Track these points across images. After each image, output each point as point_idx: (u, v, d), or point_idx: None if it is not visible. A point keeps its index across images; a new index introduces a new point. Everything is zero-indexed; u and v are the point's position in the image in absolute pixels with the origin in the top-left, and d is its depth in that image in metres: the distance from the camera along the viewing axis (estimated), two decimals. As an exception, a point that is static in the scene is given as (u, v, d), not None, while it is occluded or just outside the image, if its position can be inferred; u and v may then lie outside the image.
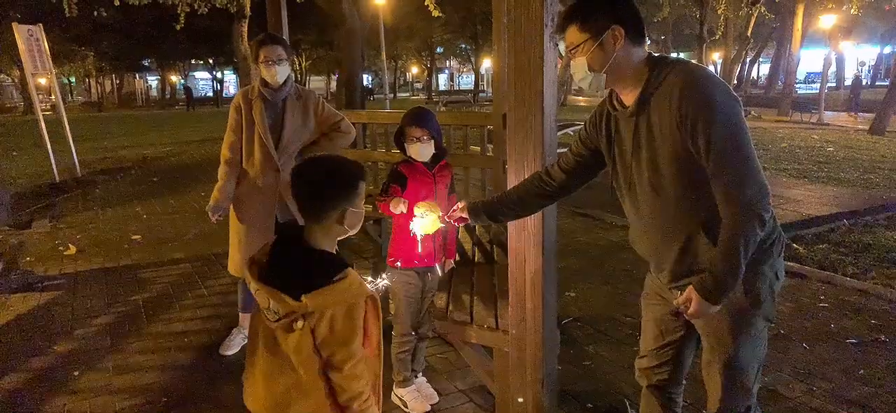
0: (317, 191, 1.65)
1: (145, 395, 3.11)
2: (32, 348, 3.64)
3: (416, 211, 2.48)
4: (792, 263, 4.89)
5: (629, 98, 1.83)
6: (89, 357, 3.52)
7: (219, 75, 48.75)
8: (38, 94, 10.63)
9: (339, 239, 1.73)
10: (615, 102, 1.90)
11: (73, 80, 54.80)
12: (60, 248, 5.73)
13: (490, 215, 2.34)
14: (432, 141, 2.78)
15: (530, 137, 2.38)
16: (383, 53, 18.43)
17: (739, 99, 1.73)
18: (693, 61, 1.81)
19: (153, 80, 57.87)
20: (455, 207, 2.42)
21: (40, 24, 9.48)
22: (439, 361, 3.44)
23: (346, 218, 1.66)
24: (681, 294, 1.87)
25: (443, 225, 2.51)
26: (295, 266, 1.62)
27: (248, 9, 13.99)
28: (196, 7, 13.27)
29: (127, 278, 4.90)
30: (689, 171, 1.72)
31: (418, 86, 61.35)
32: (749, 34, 20.93)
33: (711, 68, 32.70)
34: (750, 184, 1.65)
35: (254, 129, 3.39)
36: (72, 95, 56.01)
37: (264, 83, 3.40)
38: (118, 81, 51.02)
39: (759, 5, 18.38)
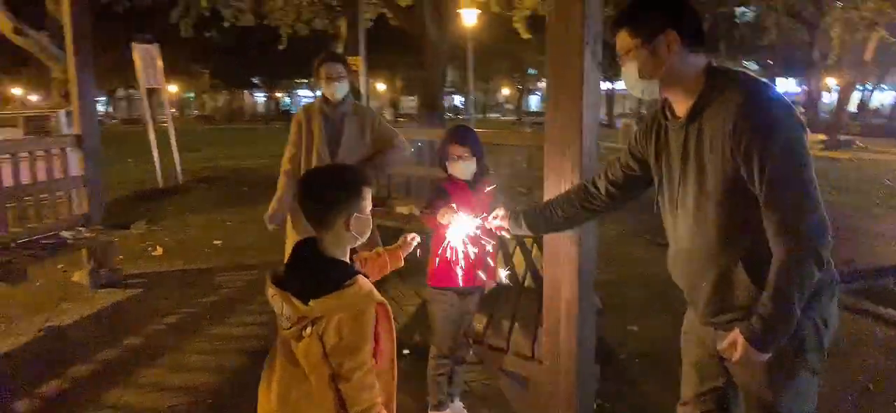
0: (320, 198, 1.68)
1: (194, 394, 3.23)
2: (103, 340, 3.88)
3: (451, 218, 2.40)
4: (893, 311, 4.39)
5: (682, 108, 1.69)
6: (151, 353, 3.71)
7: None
8: (161, 107, 11.57)
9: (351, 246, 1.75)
10: (667, 111, 1.75)
11: (192, 95, 59.31)
12: (149, 249, 6.15)
13: (531, 225, 2.20)
14: (474, 159, 2.72)
15: (568, 157, 2.28)
16: (470, 75, 18.52)
17: (805, 123, 1.55)
18: (757, 77, 1.63)
19: (261, 97, 61.44)
20: (495, 214, 2.30)
21: (156, 43, 10.31)
22: (482, 388, 3.34)
23: (353, 224, 1.67)
24: (714, 330, 1.71)
25: (478, 231, 2.39)
26: (306, 272, 1.65)
27: (344, 31, 14.63)
28: (297, 29, 14.08)
29: (201, 281, 5.15)
30: (736, 196, 1.56)
31: (509, 107, 61.32)
32: (868, 59, 19.23)
33: (824, 96, 30.50)
34: (808, 217, 1.47)
35: (313, 143, 3.49)
36: (190, 109, 60.59)
37: (325, 99, 3.51)
38: (229, 97, 54.60)
39: (878, 28, 16.90)
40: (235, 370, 3.50)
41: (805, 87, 31.82)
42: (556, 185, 2.29)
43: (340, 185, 1.70)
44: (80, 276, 4.95)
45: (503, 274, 2.87)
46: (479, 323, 2.93)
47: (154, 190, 9.79)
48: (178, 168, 10.88)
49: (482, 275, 2.91)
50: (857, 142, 17.08)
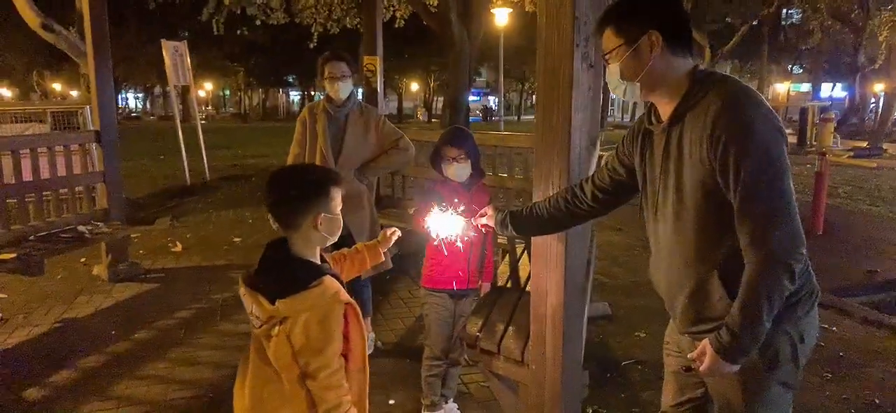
0: (286, 198, 1.69)
1: (196, 388, 3.30)
2: (116, 333, 3.99)
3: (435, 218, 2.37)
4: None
5: (665, 111, 1.66)
6: (160, 347, 3.79)
7: (359, 94, 51.47)
8: (193, 104, 11.84)
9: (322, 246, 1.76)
10: (653, 117, 1.72)
11: (227, 93, 60.47)
12: (169, 244, 6.28)
13: (516, 227, 2.17)
14: (469, 161, 2.72)
15: (556, 163, 2.24)
16: (501, 76, 18.47)
17: (784, 130, 1.50)
18: (743, 82, 1.59)
19: (295, 95, 62.29)
20: (481, 212, 2.26)
21: (185, 42, 10.53)
22: (478, 389, 3.32)
23: (321, 224, 1.67)
24: (693, 341, 1.67)
25: (465, 229, 2.35)
26: (274, 272, 1.67)
27: (364, 23, 14.70)
28: (328, 27, 14.26)
29: (217, 277, 5.24)
30: (713, 203, 1.52)
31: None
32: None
33: (871, 100, 29.42)
34: (780, 228, 1.42)
35: (316, 143, 3.52)
36: (225, 107, 61.77)
37: (329, 99, 3.53)
38: (264, 95, 55.54)
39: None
40: (237, 366, 3.54)
41: (849, 93, 30.82)
42: (545, 189, 2.26)
43: (306, 185, 1.70)
44: (99, 270, 5.09)
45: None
46: (474, 325, 2.91)
47: (181, 186, 10.00)
48: (206, 165, 11.10)
49: (479, 278, 2.92)
50: (889, 150, 16.43)
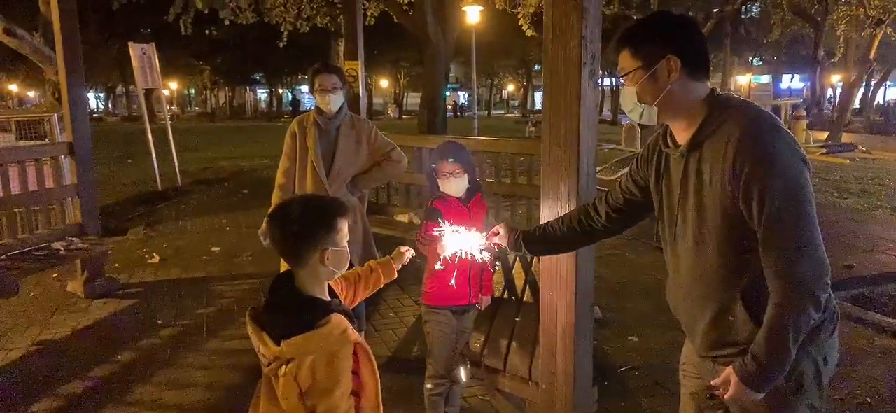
0: (292, 233, 1.61)
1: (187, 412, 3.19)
2: (98, 356, 3.83)
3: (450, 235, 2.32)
4: (893, 320, 4.33)
5: (682, 137, 1.63)
6: (146, 369, 3.66)
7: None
8: (159, 106, 11.50)
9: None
10: (668, 139, 1.70)
11: (193, 91, 59.22)
12: (146, 256, 6.10)
13: (529, 247, 2.12)
14: (465, 174, 2.67)
15: (564, 180, 2.22)
16: (474, 73, 18.44)
17: (806, 157, 1.49)
18: (759, 106, 1.57)
19: (263, 93, 61.33)
20: (494, 230, 2.19)
21: (152, 44, 10.25)
22: (480, 404, 3.29)
23: (329, 258, 1.61)
24: (714, 365, 1.66)
25: (480, 246, 2.31)
26: (280, 311, 1.61)
27: (344, 28, 14.56)
28: (298, 26, 14.05)
29: (198, 291, 5.09)
30: (736, 230, 1.51)
31: (514, 103, 61.23)
32: (872, 56, 19.09)
33: (829, 92, 30.28)
34: (806, 259, 1.42)
35: (307, 156, 3.44)
36: (191, 106, 60.49)
37: (319, 111, 3.45)
38: (231, 94, 54.57)
39: (884, 26, 16.76)
40: (229, 387, 3.45)
41: (808, 85, 31.66)
42: (553, 209, 2.24)
43: (312, 219, 1.62)
44: (74, 287, 4.90)
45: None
46: (476, 342, 2.88)
47: (152, 192, 9.73)
48: (177, 170, 10.83)
49: (479, 293, 2.88)
50: (860, 146, 16.94)
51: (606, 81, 39.02)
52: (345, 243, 1.66)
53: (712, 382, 1.65)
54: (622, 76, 1.66)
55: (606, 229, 1.99)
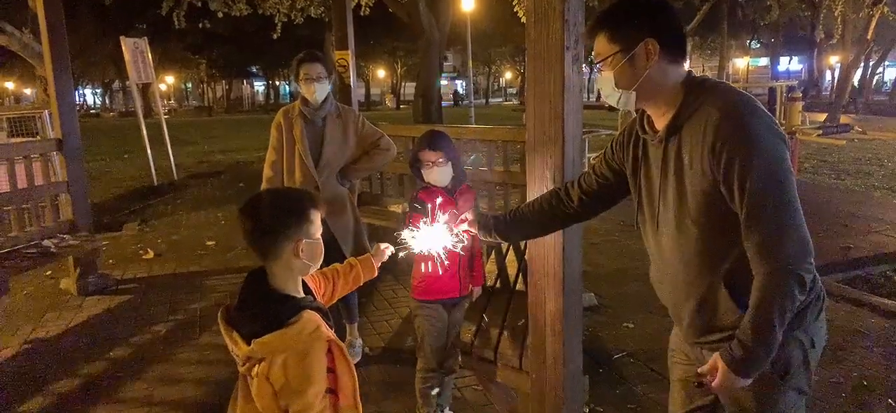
0: (263, 226, 1.58)
1: (180, 409, 3.18)
2: (91, 352, 3.82)
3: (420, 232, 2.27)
4: (890, 301, 4.32)
5: (660, 122, 1.60)
6: (139, 365, 3.65)
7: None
8: (154, 100, 11.44)
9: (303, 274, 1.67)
10: (646, 125, 1.67)
11: (189, 85, 59.05)
12: (140, 252, 6.08)
13: (500, 231, 2.09)
14: (449, 163, 2.63)
15: (549, 166, 2.19)
16: (470, 61, 18.38)
17: (785, 136, 1.47)
18: (736, 87, 1.55)
19: (260, 86, 61.15)
20: (462, 218, 2.16)
21: (145, 38, 10.18)
22: (473, 394, 3.28)
23: (303, 250, 1.58)
24: (701, 351, 1.64)
25: (449, 239, 2.26)
26: (251, 310, 1.57)
27: (334, 17, 14.44)
28: (292, 17, 13.94)
29: (192, 285, 5.08)
30: (717, 213, 1.49)
31: (512, 91, 61.08)
32: (870, 37, 19.00)
33: (827, 73, 30.15)
34: (789, 238, 1.40)
35: (294, 148, 3.40)
36: (188, 100, 60.34)
37: (304, 101, 3.41)
38: (227, 87, 54.39)
39: (881, 6, 16.67)
40: (222, 382, 3.43)
41: (805, 66, 31.55)
42: (539, 194, 2.20)
43: (284, 211, 1.59)
44: (67, 284, 4.88)
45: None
46: (468, 332, 2.86)
47: (148, 187, 9.71)
48: (173, 164, 10.80)
49: (469, 284, 2.85)
50: (857, 127, 16.89)
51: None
52: (318, 235, 1.63)
53: (699, 370, 1.63)
54: (599, 62, 1.62)
55: (578, 213, 1.97)
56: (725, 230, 1.49)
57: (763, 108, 1.47)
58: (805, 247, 1.41)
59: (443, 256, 2.22)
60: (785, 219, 1.40)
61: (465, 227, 2.14)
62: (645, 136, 1.67)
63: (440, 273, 2.47)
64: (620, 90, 1.59)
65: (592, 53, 1.66)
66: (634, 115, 1.76)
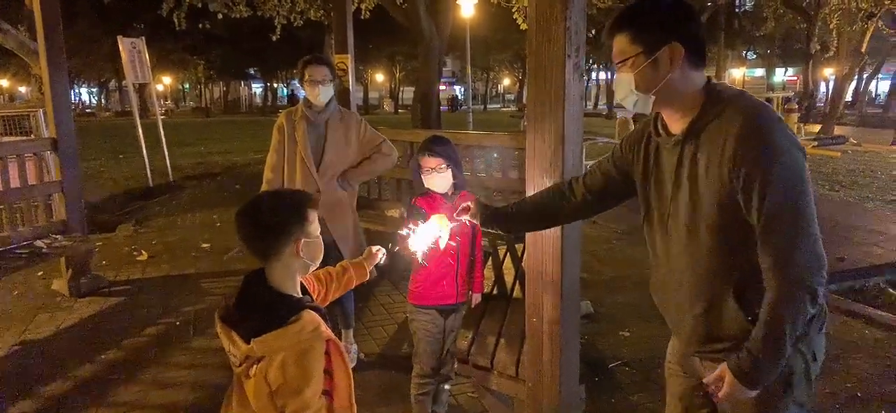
0: (262, 227, 1.58)
1: (172, 412, 3.15)
2: (84, 354, 3.77)
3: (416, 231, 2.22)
4: (884, 313, 4.32)
5: (676, 126, 1.58)
6: (132, 368, 3.61)
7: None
8: (152, 99, 11.38)
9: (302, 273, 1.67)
10: (659, 127, 1.65)
11: (187, 86, 58.93)
12: (134, 253, 6.03)
13: (501, 222, 2.07)
14: (450, 169, 2.61)
15: (548, 172, 2.18)
16: (469, 67, 18.40)
17: (804, 149, 1.46)
18: (756, 98, 1.53)
19: (258, 87, 61.05)
20: (463, 206, 2.13)
21: (142, 38, 10.14)
22: (468, 401, 3.25)
23: (302, 249, 1.58)
24: (700, 360, 1.62)
25: (447, 227, 2.21)
26: (250, 309, 1.57)
27: (334, 21, 14.43)
28: (292, 19, 13.94)
29: (187, 288, 5.05)
30: (731, 222, 1.47)
31: (510, 97, 61.21)
32: (863, 50, 19.11)
33: (822, 85, 30.32)
34: (805, 252, 1.39)
35: (296, 150, 3.39)
36: (185, 101, 60.23)
37: (308, 104, 3.40)
38: (225, 88, 54.31)
39: (876, 19, 16.79)
40: (215, 386, 3.40)
41: (800, 77, 31.75)
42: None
43: (284, 210, 1.60)
44: (59, 285, 4.84)
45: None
46: (464, 339, 2.84)
47: (143, 188, 9.64)
48: (169, 165, 10.75)
49: (468, 290, 2.83)
50: (851, 139, 16.97)
51: (601, 75, 38.93)
52: (317, 234, 1.63)
53: (705, 380, 1.62)
54: (618, 62, 1.58)
55: (582, 209, 1.97)
56: (738, 239, 1.48)
57: (783, 120, 1.46)
58: (819, 261, 1.41)
59: (438, 250, 2.19)
60: (801, 233, 1.39)
61: (467, 216, 2.12)
62: (658, 139, 1.65)
63: (440, 249, 2.39)
64: (638, 93, 1.56)
65: (611, 53, 1.61)
66: (632, 126, 1.75)
